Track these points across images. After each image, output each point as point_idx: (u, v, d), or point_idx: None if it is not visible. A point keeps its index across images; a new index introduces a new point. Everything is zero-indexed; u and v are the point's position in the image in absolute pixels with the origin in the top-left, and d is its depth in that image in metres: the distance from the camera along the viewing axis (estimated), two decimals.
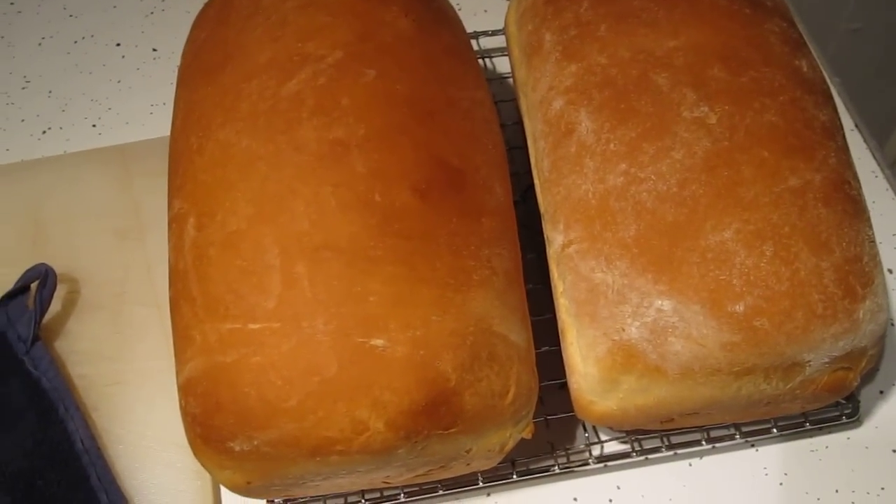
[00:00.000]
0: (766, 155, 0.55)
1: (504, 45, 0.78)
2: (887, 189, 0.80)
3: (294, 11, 0.59)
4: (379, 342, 0.49)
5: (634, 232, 0.54)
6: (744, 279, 0.53)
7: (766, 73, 0.58)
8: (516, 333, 0.54)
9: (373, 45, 0.58)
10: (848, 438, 0.66)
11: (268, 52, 0.57)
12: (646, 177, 0.55)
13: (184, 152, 0.58)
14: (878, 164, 0.82)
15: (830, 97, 0.61)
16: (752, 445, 0.66)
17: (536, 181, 0.62)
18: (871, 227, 0.58)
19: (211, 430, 0.51)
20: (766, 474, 0.65)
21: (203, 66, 0.60)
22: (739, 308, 0.53)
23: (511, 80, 0.78)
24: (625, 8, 0.61)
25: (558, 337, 0.60)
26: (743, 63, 0.58)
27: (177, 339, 0.54)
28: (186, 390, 0.53)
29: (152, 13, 0.93)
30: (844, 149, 0.59)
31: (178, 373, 0.54)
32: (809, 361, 0.55)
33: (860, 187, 0.59)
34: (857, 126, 0.84)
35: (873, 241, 0.57)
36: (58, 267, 0.69)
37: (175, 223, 0.57)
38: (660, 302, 0.53)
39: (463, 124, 0.58)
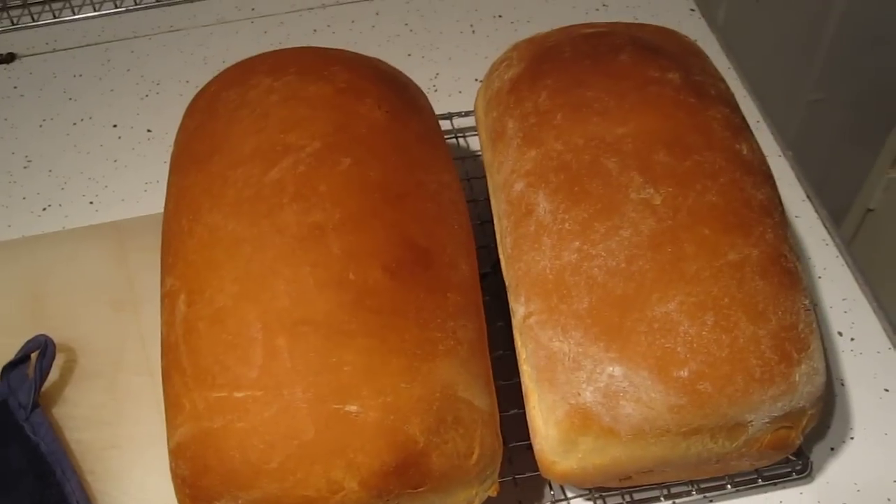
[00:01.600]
0: (707, 232, 0.60)
1: (476, 125, 0.83)
2: (837, 256, 0.84)
3: (277, 105, 0.64)
4: (353, 408, 0.54)
5: (587, 304, 0.59)
6: (687, 347, 0.57)
7: (707, 156, 0.64)
8: (480, 398, 0.59)
9: (348, 135, 0.63)
10: (801, 493, 0.69)
11: (252, 142, 0.63)
12: (597, 253, 0.60)
13: (176, 234, 0.63)
14: (829, 232, 0.86)
15: (770, 177, 0.67)
16: (710, 501, 0.69)
17: (501, 256, 0.67)
18: (807, 296, 0.62)
19: (199, 490, 0.55)
20: None
21: (193, 155, 0.66)
22: (684, 373, 0.57)
23: (482, 157, 0.84)
24: (579, 98, 0.67)
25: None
26: (687, 148, 0.64)
27: (168, 406, 0.59)
28: (177, 454, 0.57)
29: (147, 96, 0.99)
30: (782, 224, 0.64)
31: (168, 438, 0.58)
32: (751, 422, 0.59)
33: (797, 259, 0.64)
34: (808, 197, 0.89)
35: (809, 310, 0.62)
36: (56, 337, 0.72)
37: (167, 299, 0.61)
38: (611, 368, 0.58)
39: (430, 206, 0.63)
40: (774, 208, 0.65)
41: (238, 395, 0.54)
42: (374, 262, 0.58)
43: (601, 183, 0.62)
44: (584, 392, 0.58)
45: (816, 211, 0.88)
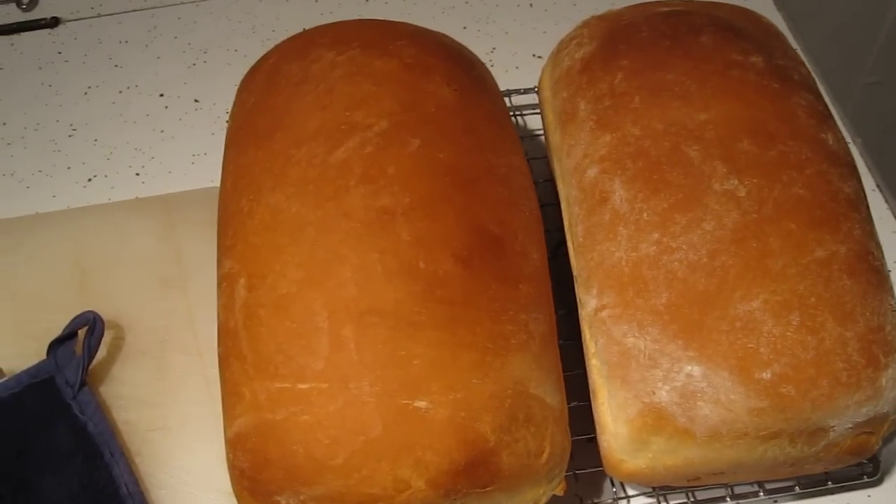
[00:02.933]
0: (793, 227, 0.58)
1: (535, 101, 0.80)
2: None
3: (341, 80, 0.62)
4: (422, 404, 0.52)
5: (666, 300, 0.57)
6: (771, 347, 0.55)
7: (793, 146, 0.61)
8: (551, 395, 0.57)
9: (417, 114, 0.60)
10: (868, 496, 0.68)
11: (316, 119, 0.60)
12: (678, 247, 0.58)
13: (235, 214, 0.60)
14: None
15: (855, 169, 0.64)
16: (776, 502, 0.67)
17: (570, 244, 0.65)
18: (893, 296, 0.60)
19: (259, 484, 0.53)
20: None
21: (253, 131, 0.63)
22: (767, 375, 0.55)
23: (542, 137, 0.81)
24: (658, 81, 0.64)
25: (586, 392, 0.62)
26: (771, 137, 0.61)
27: (226, 394, 0.57)
28: (235, 444, 0.55)
29: (194, 64, 0.97)
30: (868, 220, 0.61)
31: (226, 427, 0.56)
32: (833, 427, 0.57)
33: (883, 257, 0.61)
34: (878, 186, 0.86)
35: (895, 311, 0.59)
36: (103, 313, 0.71)
37: (225, 282, 0.59)
38: (690, 367, 0.55)
39: (501, 191, 0.60)
40: (861, 202, 0.62)
41: (302, 386, 0.52)
42: (444, 249, 0.55)
43: (682, 172, 0.60)
44: (659, 391, 0.56)
45: (887, 201, 0.85)
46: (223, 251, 0.60)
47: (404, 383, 0.52)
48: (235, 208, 0.61)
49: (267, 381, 0.53)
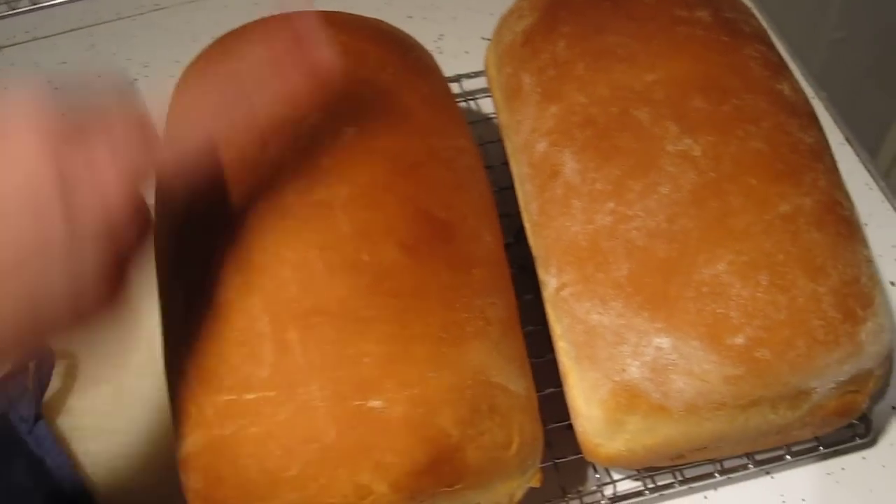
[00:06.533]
0: (754, 183, 0.55)
1: (486, 85, 0.78)
2: (883, 200, 0.79)
3: (270, 77, 0.59)
4: (376, 403, 0.49)
5: (627, 271, 0.54)
6: (741, 311, 0.52)
7: (747, 99, 0.58)
8: (515, 383, 0.54)
9: (350, 102, 0.57)
10: (863, 458, 0.65)
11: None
12: (634, 214, 0.55)
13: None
14: (872, 176, 0.81)
15: (815, 118, 0.61)
16: (768, 473, 0.65)
17: (527, 224, 0.62)
18: (867, 246, 0.57)
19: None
20: (784, 501, 0.64)
21: None
22: (739, 340, 0.52)
23: (496, 120, 0.78)
24: (601, 45, 0.61)
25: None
26: (724, 91, 0.58)
27: (174, 413, 0.54)
28: (187, 465, 0.52)
29: (136, 79, 0.93)
30: (833, 169, 0.59)
31: (177, 448, 0.53)
32: (815, 388, 0.54)
33: (853, 206, 0.58)
34: (847, 140, 0.84)
35: (871, 261, 0.57)
36: (53, 342, 0.69)
37: (164, 295, 0.56)
38: (658, 340, 0.53)
39: (446, 175, 0.57)
40: (824, 151, 0.59)
41: (249, 396, 0.50)
42: (389, 239, 0.53)
43: (633, 136, 0.57)
44: (629, 368, 0.53)
45: (857, 154, 0.83)
46: (158, 263, 0.57)
47: (356, 384, 0.49)
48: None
49: (212, 395, 0.50)
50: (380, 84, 0.60)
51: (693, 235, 0.54)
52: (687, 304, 0.53)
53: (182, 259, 0.55)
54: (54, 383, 0.69)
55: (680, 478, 0.64)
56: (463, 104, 0.85)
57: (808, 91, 0.87)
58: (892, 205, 0.79)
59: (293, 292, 0.51)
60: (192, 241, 0.55)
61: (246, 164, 0.55)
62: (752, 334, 0.52)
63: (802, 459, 0.64)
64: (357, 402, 0.49)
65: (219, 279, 0.52)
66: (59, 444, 0.67)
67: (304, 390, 0.49)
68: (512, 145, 0.64)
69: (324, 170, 0.54)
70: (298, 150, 0.55)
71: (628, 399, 0.54)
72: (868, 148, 0.85)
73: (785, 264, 0.53)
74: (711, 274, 0.53)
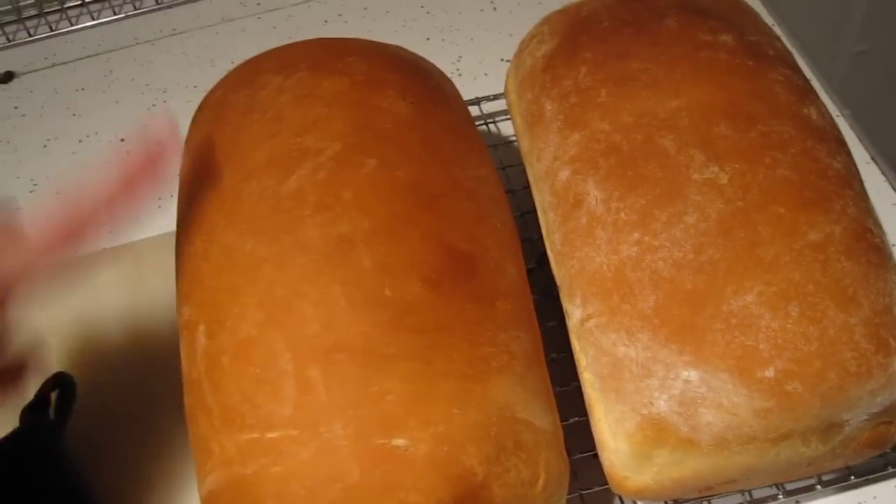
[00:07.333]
0: (782, 211, 0.54)
1: (506, 107, 0.77)
2: None
3: (290, 105, 0.58)
4: (400, 442, 0.48)
5: (654, 302, 0.53)
6: (771, 343, 0.51)
7: (774, 125, 0.57)
8: (541, 418, 0.53)
9: (371, 133, 0.57)
10: None
11: (265, 149, 0.57)
12: (660, 244, 0.54)
13: (189, 257, 0.57)
14: None
15: (843, 143, 0.60)
16: (798, 503, 0.63)
17: (550, 253, 0.61)
18: None
19: None
20: None
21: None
22: (769, 373, 0.51)
23: (517, 143, 0.77)
24: (624, 71, 0.60)
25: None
26: (749, 118, 0.57)
27: (196, 450, 0.53)
28: (209, 503, 0.51)
29: (154, 105, 0.93)
30: (863, 195, 0.58)
31: (199, 485, 0.53)
32: (848, 421, 0.53)
33: (883, 233, 0.57)
34: (872, 159, 0.82)
35: None
36: (76, 373, 0.68)
37: (186, 330, 0.56)
38: (686, 373, 0.52)
39: (469, 206, 0.57)
40: (853, 177, 0.58)
41: (271, 435, 0.49)
42: (411, 274, 0.52)
43: (658, 165, 0.56)
44: (656, 401, 0.52)
45: (884, 173, 0.81)
46: (181, 298, 0.57)
47: (379, 422, 0.48)
48: (190, 251, 0.57)
49: (235, 433, 0.50)
50: (401, 113, 0.59)
51: (721, 266, 0.53)
52: (715, 336, 0.52)
53: (203, 293, 0.55)
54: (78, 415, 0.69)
55: None
56: (483, 128, 0.85)
57: (832, 108, 0.85)
58: None
59: (315, 329, 0.50)
60: (213, 275, 0.55)
61: (267, 198, 0.55)
62: (783, 367, 0.51)
63: (833, 489, 0.63)
64: (381, 441, 0.48)
65: (241, 315, 0.52)
66: (81, 477, 0.66)
67: (327, 429, 0.48)
68: (533, 172, 0.64)
69: (345, 203, 0.53)
70: (319, 182, 0.54)
71: (656, 433, 0.52)
72: (894, 166, 0.84)
73: (815, 294, 0.52)
74: (740, 305, 0.52)
